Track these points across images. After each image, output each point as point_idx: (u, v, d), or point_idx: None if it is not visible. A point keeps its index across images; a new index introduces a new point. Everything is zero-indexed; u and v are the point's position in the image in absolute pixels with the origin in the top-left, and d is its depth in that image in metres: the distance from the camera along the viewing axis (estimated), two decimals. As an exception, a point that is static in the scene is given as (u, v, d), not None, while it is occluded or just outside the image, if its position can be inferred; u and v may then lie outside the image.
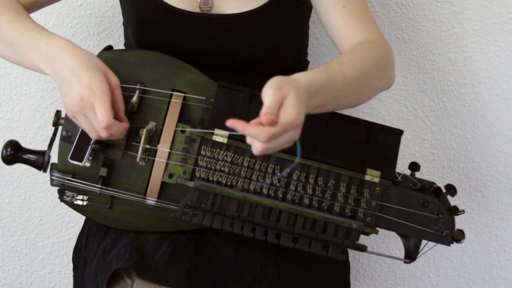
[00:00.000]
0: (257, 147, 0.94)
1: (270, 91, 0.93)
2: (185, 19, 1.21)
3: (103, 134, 1.08)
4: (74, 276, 1.33)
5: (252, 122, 0.92)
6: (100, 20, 1.58)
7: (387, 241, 1.78)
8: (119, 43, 1.46)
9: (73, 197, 1.21)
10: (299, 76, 1.01)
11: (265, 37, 1.22)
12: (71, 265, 1.37)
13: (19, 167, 1.67)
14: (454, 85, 1.61)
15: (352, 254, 1.75)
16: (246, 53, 1.23)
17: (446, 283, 1.81)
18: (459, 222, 1.71)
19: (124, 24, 1.35)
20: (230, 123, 0.92)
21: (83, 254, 1.29)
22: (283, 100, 0.93)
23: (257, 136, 0.91)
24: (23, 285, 1.83)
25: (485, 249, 1.76)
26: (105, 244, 1.23)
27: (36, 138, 1.66)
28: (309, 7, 1.30)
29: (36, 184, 1.71)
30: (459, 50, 1.57)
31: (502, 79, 1.59)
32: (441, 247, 1.75)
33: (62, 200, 1.21)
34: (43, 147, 1.64)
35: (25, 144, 1.63)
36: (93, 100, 1.05)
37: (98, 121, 1.06)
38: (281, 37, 1.24)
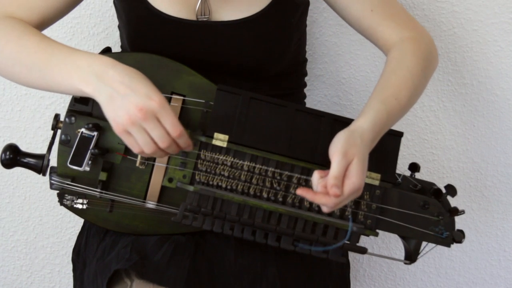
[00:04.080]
0: (324, 210, 1.07)
1: (336, 158, 1.03)
2: (182, 28, 1.21)
3: (164, 144, 1.05)
4: (74, 276, 1.33)
5: (320, 186, 1.03)
6: (100, 20, 1.58)
7: (387, 241, 1.78)
8: (119, 43, 1.45)
9: (72, 200, 1.21)
10: (362, 127, 1.08)
11: (263, 43, 1.22)
12: (71, 265, 1.38)
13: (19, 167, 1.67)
14: (454, 85, 1.61)
15: (352, 254, 1.75)
16: (244, 59, 1.23)
17: (446, 283, 1.81)
18: (459, 222, 1.72)
19: (119, 27, 1.34)
20: (300, 192, 1.04)
21: (82, 255, 1.29)
22: (348, 165, 1.03)
23: (325, 204, 1.04)
24: (23, 285, 1.83)
25: (485, 249, 1.76)
26: (105, 244, 1.23)
27: (36, 138, 1.66)
28: (306, 6, 1.30)
29: (36, 184, 1.71)
30: (459, 50, 1.57)
31: (502, 79, 1.59)
32: (441, 247, 1.76)
33: (62, 203, 1.21)
34: (43, 147, 1.64)
35: (25, 144, 1.63)
36: (156, 109, 1.02)
37: (167, 129, 1.04)
38: (280, 42, 1.24)
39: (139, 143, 1.04)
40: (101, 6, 1.56)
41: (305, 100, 1.43)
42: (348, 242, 1.15)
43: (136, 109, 1.01)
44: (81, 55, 1.08)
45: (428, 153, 1.68)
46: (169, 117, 1.03)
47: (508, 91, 1.60)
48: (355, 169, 1.03)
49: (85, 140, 1.14)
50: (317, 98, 1.64)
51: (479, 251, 1.77)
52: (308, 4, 1.31)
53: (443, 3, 1.53)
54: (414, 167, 1.22)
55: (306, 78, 1.42)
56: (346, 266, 1.35)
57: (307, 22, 1.37)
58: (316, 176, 1.04)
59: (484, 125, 1.63)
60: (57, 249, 1.79)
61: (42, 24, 1.21)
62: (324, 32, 1.59)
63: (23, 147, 1.67)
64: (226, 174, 1.14)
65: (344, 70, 1.62)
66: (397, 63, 1.18)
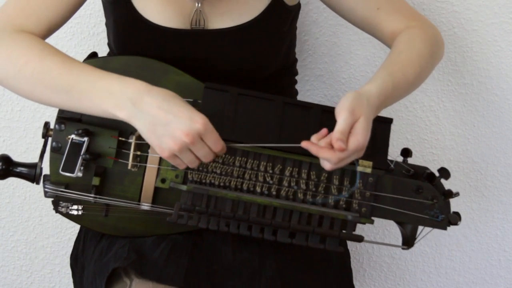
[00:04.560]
0: (327, 166, 1.06)
1: (343, 114, 1.03)
2: (171, 37, 1.21)
3: (208, 160, 1.08)
4: (74, 282, 1.33)
5: (323, 142, 1.04)
6: (100, 20, 1.58)
7: (386, 240, 1.78)
8: (119, 43, 1.46)
9: (67, 207, 1.20)
10: (370, 91, 1.09)
11: (254, 51, 1.23)
12: (71, 265, 1.38)
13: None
14: (454, 85, 1.61)
15: (352, 254, 1.75)
16: (235, 66, 1.23)
17: (446, 283, 1.81)
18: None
19: (106, 25, 1.33)
20: (305, 144, 1.04)
21: (80, 259, 1.29)
22: (354, 123, 1.04)
23: (328, 159, 1.04)
24: (23, 285, 1.83)
25: (485, 249, 1.76)
26: (102, 246, 1.23)
27: (36, 138, 1.66)
28: (297, 10, 1.30)
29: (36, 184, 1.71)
30: (459, 50, 1.57)
31: (502, 79, 1.59)
32: (441, 247, 1.76)
33: (57, 211, 1.21)
34: (43, 147, 1.64)
35: (25, 144, 1.64)
36: (202, 131, 1.04)
37: (211, 148, 1.06)
38: (271, 49, 1.25)
39: (185, 162, 1.07)
40: (101, 6, 1.56)
41: (305, 100, 1.43)
42: (359, 187, 1.16)
43: (183, 135, 1.03)
44: (111, 80, 1.07)
45: (428, 153, 1.68)
46: (212, 135, 1.06)
47: (508, 91, 1.60)
48: (361, 127, 1.04)
49: (75, 146, 1.14)
50: (317, 98, 1.64)
51: (479, 251, 1.77)
52: (299, 7, 1.31)
53: (443, 3, 1.54)
54: (406, 153, 1.22)
55: (306, 78, 1.43)
56: (346, 255, 1.35)
57: (307, 22, 1.38)
58: (314, 137, 1.06)
59: (484, 125, 1.63)
60: (57, 249, 1.79)
61: (48, 33, 1.20)
62: (324, 32, 1.59)
63: (23, 147, 1.68)
64: (218, 171, 1.14)
65: (344, 70, 1.62)
66: (406, 45, 1.20)
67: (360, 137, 1.03)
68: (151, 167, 1.17)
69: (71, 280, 1.69)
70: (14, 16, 1.16)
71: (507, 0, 1.52)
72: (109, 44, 1.35)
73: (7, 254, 1.79)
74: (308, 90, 1.62)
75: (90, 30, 1.59)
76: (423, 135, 1.66)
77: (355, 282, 1.33)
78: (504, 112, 1.62)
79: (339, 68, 1.62)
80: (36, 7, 1.16)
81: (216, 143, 1.07)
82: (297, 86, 1.43)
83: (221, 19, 1.21)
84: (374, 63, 1.60)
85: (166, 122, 1.03)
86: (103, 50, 1.43)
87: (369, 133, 1.05)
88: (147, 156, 1.17)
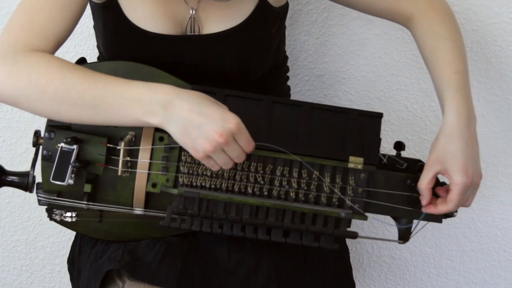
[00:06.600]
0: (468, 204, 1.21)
1: (424, 173, 1.16)
2: (161, 42, 1.21)
3: (241, 160, 1.08)
4: (72, 286, 1.34)
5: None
6: (99, 21, 1.58)
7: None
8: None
9: (61, 214, 1.21)
10: (450, 123, 1.16)
11: (243, 54, 1.23)
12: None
13: (19, 166, 1.67)
14: (454, 85, 1.60)
15: (352, 254, 1.75)
16: (225, 70, 1.23)
17: (446, 283, 1.81)
18: (459, 222, 1.72)
19: (94, 27, 1.32)
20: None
21: (77, 263, 1.29)
22: (439, 171, 1.16)
23: (453, 206, 1.16)
24: (23, 285, 1.83)
25: (485, 249, 1.76)
26: (97, 249, 1.23)
27: (36, 138, 1.66)
28: (285, 10, 1.30)
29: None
30: (459, 50, 1.57)
31: (502, 79, 1.59)
32: (441, 247, 1.76)
33: (51, 218, 1.21)
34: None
35: (25, 144, 1.64)
36: (235, 131, 1.04)
37: (243, 148, 1.06)
38: (260, 52, 1.25)
39: (219, 164, 1.07)
40: (101, 7, 1.56)
41: (304, 101, 1.42)
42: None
43: (217, 135, 1.03)
44: (138, 87, 1.07)
45: (428, 153, 1.68)
46: (244, 135, 1.06)
47: (508, 91, 1.60)
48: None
49: (65, 154, 1.14)
50: (317, 98, 1.64)
51: (479, 251, 1.77)
52: (287, 7, 1.30)
53: (443, 3, 1.53)
54: (399, 146, 1.21)
55: (306, 78, 1.42)
56: (345, 251, 1.35)
57: (307, 22, 1.38)
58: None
59: (484, 125, 1.63)
60: (57, 249, 1.79)
61: (56, 48, 1.18)
62: (324, 32, 1.59)
63: (23, 147, 1.68)
64: (208, 173, 1.14)
65: (344, 70, 1.62)
66: (432, 37, 1.22)
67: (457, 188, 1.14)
68: (141, 172, 1.17)
69: (71, 280, 1.68)
70: (22, 36, 1.13)
71: (507, 0, 1.52)
72: (98, 47, 1.34)
73: (7, 254, 1.79)
74: (308, 90, 1.62)
75: (90, 30, 1.58)
76: (423, 135, 1.66)
77: (355, 282, 1.33)
78: (504, 112, 1.61)
79: (339, 68, 1.62)
80: (43, 24, 1.14)
81: (248, 143, 1.07)
82: (298, 86, 1.43)
83: (211, 24, 1.21)
84: (374, 63, 1.60)
85: (199, 124, 1.03)
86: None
87: (472, 157, 1.15)
88: (137, 161, 1.17)
